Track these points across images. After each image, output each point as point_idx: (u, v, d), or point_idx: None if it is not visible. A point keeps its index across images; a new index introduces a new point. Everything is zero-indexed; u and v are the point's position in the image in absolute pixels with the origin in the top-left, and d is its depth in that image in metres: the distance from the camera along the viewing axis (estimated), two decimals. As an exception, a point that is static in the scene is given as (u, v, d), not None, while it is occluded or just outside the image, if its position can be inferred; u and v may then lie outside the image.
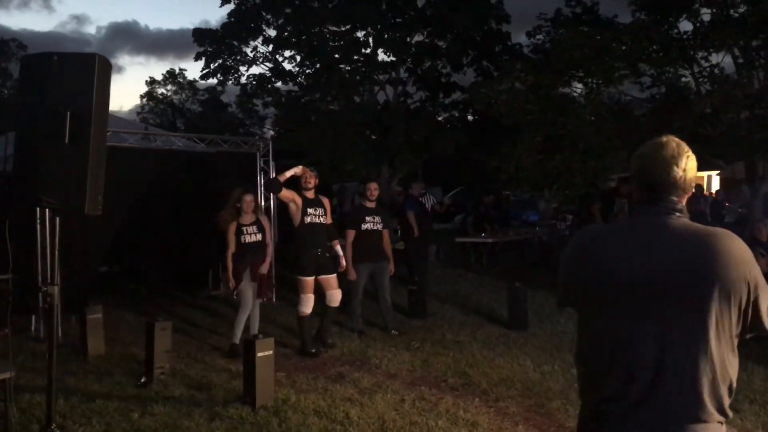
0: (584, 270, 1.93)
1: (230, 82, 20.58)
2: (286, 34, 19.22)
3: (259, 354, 4.83)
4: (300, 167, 6.60)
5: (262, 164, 9.76)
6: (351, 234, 7.21)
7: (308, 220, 6.51)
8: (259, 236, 6.62)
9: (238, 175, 9.29)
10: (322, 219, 6.61)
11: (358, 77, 18.24)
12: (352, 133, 17.11)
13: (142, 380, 5.48)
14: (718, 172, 36.32)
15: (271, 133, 9.53)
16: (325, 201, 6.79)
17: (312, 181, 6.59)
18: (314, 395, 5.18)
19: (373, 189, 7.25)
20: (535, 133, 9.82)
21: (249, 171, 9.63)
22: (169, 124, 39.93)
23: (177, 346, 6.44)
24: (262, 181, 9.45)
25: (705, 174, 29.65)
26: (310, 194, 6.59)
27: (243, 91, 20.46)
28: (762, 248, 7.16)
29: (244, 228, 6.57)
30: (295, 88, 20.01)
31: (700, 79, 10.04)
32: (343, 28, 18.03)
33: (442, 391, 5.36)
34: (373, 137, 19.13)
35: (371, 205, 7.32)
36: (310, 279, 6.50)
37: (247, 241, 6.54)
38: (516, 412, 4.83)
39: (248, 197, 6.60)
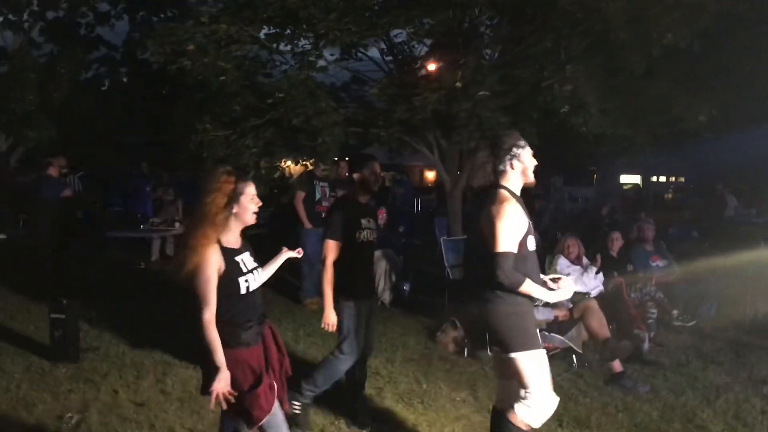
0: None
1: None
2: None
3: None
4: None
5: None
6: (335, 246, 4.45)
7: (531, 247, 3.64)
8: (262, 275, 3.35)
9: None
10: None
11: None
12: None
13: None
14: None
15: None
16: None
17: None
18: None
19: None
20: (233, 100, 7.75)
21: None
22: None
23: None
24: None
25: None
26: None
27: None
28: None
29: (240, 261, 3.20)
30: None
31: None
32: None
33: None
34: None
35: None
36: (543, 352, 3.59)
37: (251, 288, 3.20)
38: None
39: (252, 189, 3.20)
